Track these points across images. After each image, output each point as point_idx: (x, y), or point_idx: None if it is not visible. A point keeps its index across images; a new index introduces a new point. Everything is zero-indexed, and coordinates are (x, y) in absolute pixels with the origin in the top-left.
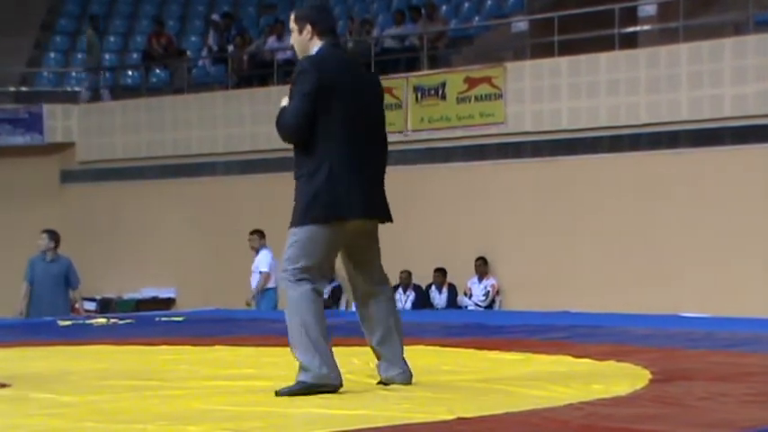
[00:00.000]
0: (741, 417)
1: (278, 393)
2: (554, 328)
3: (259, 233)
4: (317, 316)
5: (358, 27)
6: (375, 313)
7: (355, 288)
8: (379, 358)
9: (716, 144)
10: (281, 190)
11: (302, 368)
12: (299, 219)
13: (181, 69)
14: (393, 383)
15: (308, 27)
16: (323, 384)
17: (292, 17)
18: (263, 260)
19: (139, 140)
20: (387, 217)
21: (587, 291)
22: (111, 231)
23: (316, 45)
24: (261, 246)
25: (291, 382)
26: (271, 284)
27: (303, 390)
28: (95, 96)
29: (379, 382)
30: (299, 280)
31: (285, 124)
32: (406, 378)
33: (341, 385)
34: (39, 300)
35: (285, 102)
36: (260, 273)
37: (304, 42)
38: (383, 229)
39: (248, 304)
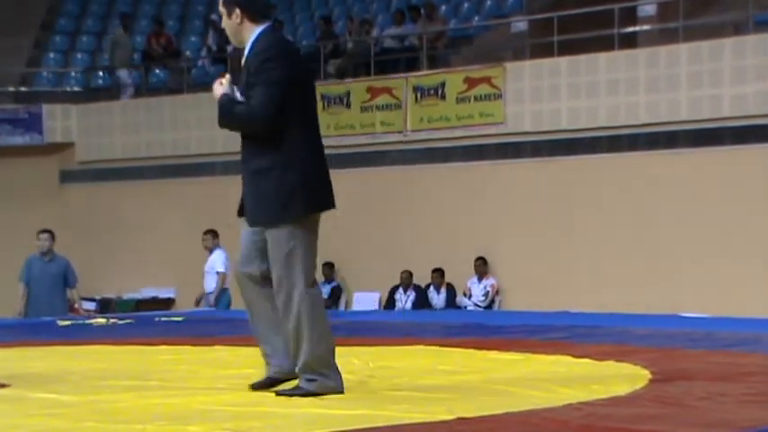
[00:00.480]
0: (740, 417)
1: (278, 394)
2: (554, 328)
3: (212, 233)
4: (328, 322)
5: (357, 27)
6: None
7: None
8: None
9: (715, 144)
10: None
11: (308, 378)
12: (281, 214)
13: (180, 69)
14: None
15: (237, 11)
16: (325, 394)
17: (220, 0)
18: (217, 260)
19: (139, 140)
20: None
21: (587, 291)
22: (111, 231)
23: (251, 30)
24: (214, 246)
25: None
26: (224, 285)
27: (304, 395)
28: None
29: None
30: (310, 286)
31: (253, 117)
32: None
33: (342, 392)
34: (36, 299)
35: (223, 89)
36: (217, 273)
37: (234, 27)
38: (382, 229)
39: (211, 306)
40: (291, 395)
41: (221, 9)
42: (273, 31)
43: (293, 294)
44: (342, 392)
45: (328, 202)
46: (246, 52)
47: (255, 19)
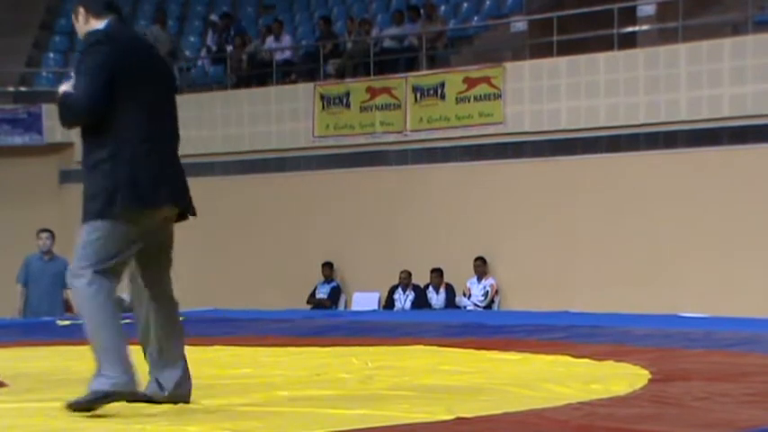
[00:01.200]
0: (740, 417)
1: (72, 406)
2: (553, 328)
3: None
4: (115, 315)
5: (357, 27)
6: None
7: (143, 302)
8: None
9: (714, 144)
10: (280, 190)
11: (100, 375)
12: (102, 210)
13: (179, 69)
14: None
15: (80, 9)
16: (121, 392)
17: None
18: None
19: None
20: (192, 210)
21: (586, 291)
22: None
23: (96, 26)
24: None
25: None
26: None
27: (100, 399)
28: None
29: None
30: (101, 277)
31: (76, 104)
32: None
33: (137, 391)
34: (34, 299)
35: (65, 87)
36: None
37: (82, 29)
38: (382, 229)
39: None
40: (88, 402)
41: (73, 18)
42: (115, 23)
43: (80, 289)
44: (137, 392)
45: (157, 200)
46: None
47: (99, 13)
